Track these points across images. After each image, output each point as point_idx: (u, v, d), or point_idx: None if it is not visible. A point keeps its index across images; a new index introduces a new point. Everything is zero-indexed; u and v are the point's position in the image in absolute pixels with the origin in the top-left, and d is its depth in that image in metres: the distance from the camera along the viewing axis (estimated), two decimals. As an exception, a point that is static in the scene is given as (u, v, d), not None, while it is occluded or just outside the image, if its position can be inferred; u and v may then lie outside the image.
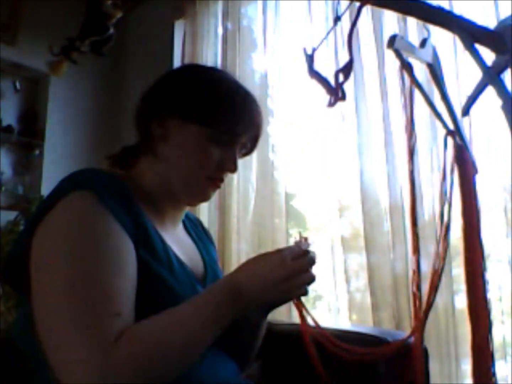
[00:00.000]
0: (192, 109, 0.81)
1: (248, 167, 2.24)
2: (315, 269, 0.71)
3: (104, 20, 2.28)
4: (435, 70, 0.92)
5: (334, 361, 0.80)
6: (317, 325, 0.79)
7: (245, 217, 2.24)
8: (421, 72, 1.06)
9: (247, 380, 0.87)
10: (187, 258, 0.84)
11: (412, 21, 1.76)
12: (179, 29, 2.78)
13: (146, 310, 0.65)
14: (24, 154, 2.89)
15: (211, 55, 2.54)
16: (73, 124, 2.98)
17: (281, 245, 2.04)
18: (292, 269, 0.68)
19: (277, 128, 2.21)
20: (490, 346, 0.78)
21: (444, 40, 1.55)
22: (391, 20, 1.87)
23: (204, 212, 2.35)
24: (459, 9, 1.55)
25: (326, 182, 2.00)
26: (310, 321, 0.78)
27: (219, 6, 2.58)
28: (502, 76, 0.79)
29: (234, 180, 2.24)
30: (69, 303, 0.61)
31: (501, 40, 0.79)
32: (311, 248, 0.73)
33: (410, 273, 0.85)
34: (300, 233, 0.75)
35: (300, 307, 0.75)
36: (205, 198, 0.87)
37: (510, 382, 1.32)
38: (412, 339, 0.85)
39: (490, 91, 0.81)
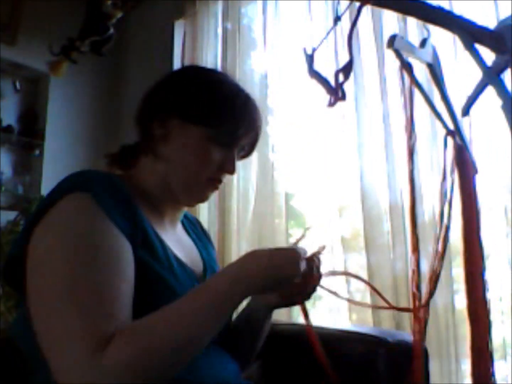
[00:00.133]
0: (193, 109, 0.82)
1: (248, 167, 2.24)
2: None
3: (104, 20, 2.28)
4: (435, 70, 0.92)
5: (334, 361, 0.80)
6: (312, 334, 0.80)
7: (245, 217, 2.24)
8: (421, 72, 1.06)
9: (247, 380, 0.87)
10: (186, 257, 0.84)
11: (412, 21, 1.76)
12: (179, 29, 2.78)
13: (146, 310, 0.65)
14: (24, 154, 2.88)
15: (211, 55, 2.54)
16: (73, 124, 2.98)
17: (281, 245, 2.04)
18: (302, 269, 0.69)
19: (277, 128, 2.21)
20: (490, 346, 0.78)
21: (444, 40, 1.55)
22: (391, 20, 1.87)
23: (204, 212, 2.35)
24: (459, 9, 1.54)
25: (326, 182, 2.00)
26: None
27: (219, 6, 2.58)
28: (502, 76, 0.79)
29: (234, 180, 2.24)
30: (63, 304, 0.61)
31: (501, 40, 0.78)
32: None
33: (410, 273, 0.84)
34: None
35: (304, 310, 0.76)
36: (203, 198, 0.88)
37: (510, 382, 1.32)
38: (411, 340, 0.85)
39: (490, 91, 0.81)
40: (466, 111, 0.87)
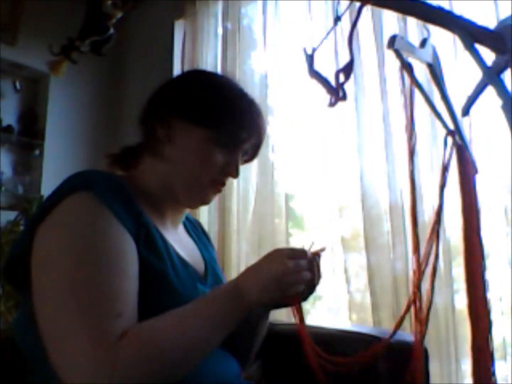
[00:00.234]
0: (197, 111, 0.82)
1: (248, 168, 2.23)
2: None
3: (104, 20, 2.28)
4: (435, 70, 0.92)
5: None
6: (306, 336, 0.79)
7: (245, 218, 2.24)
8: (421, 72, 1.06)
9: (247, 380, 0.87)
10: (188, 257, 0.84)
11: (412, 21, 1.76)
12: (179, 29, 2.78)
13: (148, 309, 0.65)
14: (24, 154, 2.89)
15: (211, 55, 2.54)
16: (73, 124, 2.98)
17: (281, 245, 2.04)
18: (287, 268, 0.68)
19: (277, 128, 2.21)
20: (490, 346, 0.78)
21: (444, 40, 1.55)
22: (391, 20, 1.87)
23: (204, 212, 2.34)
24: (459, 9, 1.54)
25: (326, 182, 2.00)
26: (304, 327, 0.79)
27: (219, 6, 2.58)
28: (502, 76, 0.79)
29: (234, 180, 2.23)
30: (70, 303, 0.62)
31: (501, 40, 0.78)
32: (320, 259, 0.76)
33: (410, 273, 0.85)
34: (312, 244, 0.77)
35: (300, 312, 0.76)
36: (205, 201, 0.88)
37: (510, 382, 1.32)
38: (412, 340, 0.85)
39: (490, 91, 0.81)
40: (466, 111, 0.86)
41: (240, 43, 2.44)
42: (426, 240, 0.82)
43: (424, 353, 0.94)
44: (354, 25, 0.95)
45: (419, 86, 0.90)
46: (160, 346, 0.62)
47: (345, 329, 1.13)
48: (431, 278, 0.81)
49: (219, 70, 2.48)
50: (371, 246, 1.81)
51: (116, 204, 0.70)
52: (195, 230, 1.00)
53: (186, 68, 2.67)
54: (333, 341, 1.01)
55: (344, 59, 0.99)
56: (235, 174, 0.85)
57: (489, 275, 0.83)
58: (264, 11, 2.33)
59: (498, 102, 0.77)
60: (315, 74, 0.94)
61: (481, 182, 0.87)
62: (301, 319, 0.77)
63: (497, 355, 0.83)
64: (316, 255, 0.76)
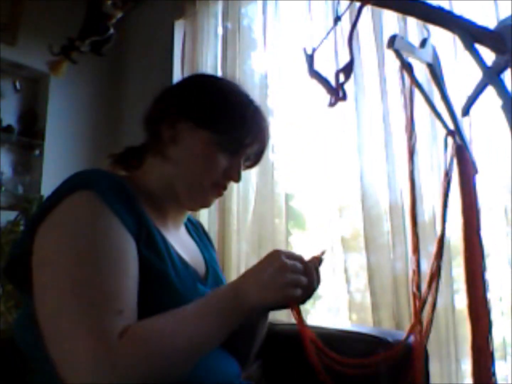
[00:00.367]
0: (203, 113, 0.83)
1: (248, 168, 2.23)
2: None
3: (104, 20, 2.28)
4: (435, 70, 0.92)
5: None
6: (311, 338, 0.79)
7: (245, 218, 2.24)
8: (421, 72, 1.06)
9: (247, 380, 0.87)
10: (189, 257, 0.84)
11: (412, 21, 1.76)
12: (179, 29, 2.78)
13: (148, 309, 0.65)
14: (24, 154, 2.89)
15: (211, 55, 2.54)
16: (73, 124, 2.98)
17: (281, 245, 2.04)
18: (285, 264, 0.68)
19: (277, 128, 2.21)
20: (490, 346, 0.78)
21: (444, 40, 1.55)
22: (391, 20, 1.87)
23: (205, 212, 2.34)
24: (459, 9, 1.55)
25: (326, 182, 2.00)
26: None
27: (219, 6, 2.58)
28: (502, 76, 0.79)
29: (234, 180, 2.24)
30: (71, 301, 0.62)
31: (501, 40, 0.78)
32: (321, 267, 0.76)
33: (410, 273, 0.84)
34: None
35: (299, 315, 0.76)
36: (206, 203, 0.88)
37: (510, 382, 1.32)
38: (412, 340, 0.85)
39: (490, 91, 0.81)
40: (466, 111, 0.86)
41: (240, 43, 2.44)
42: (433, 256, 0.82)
43: (424, 353, 0.94)
44: (354, 25, 0.95)
45: (419, 86, 0.90)
46: (160, 345, 0.62)
47: (345, 329, 1.13)
48: (435, 279, 0.81)
49: (219, 70, 2.48)
50: (371, 246, 1.81)
51: (117, 204, 0.70)
52: (197, 231, 1.01)
53: (186, 68, 2.67)
54: (333, 341, 1.01)
55: (344, 59, 0.99)
56: (237, 178, 0.86)
57: (489, 275, 0.82)
58: (264, 11, 2.33)
59: (498, 102, 0.77)
60: (315, 74, 0.94)
61: (481, 182, 0.87)
62: (301, 321, 0.77)
63: (497, 355, 0.83)
64: (317, 259, 0.76)
